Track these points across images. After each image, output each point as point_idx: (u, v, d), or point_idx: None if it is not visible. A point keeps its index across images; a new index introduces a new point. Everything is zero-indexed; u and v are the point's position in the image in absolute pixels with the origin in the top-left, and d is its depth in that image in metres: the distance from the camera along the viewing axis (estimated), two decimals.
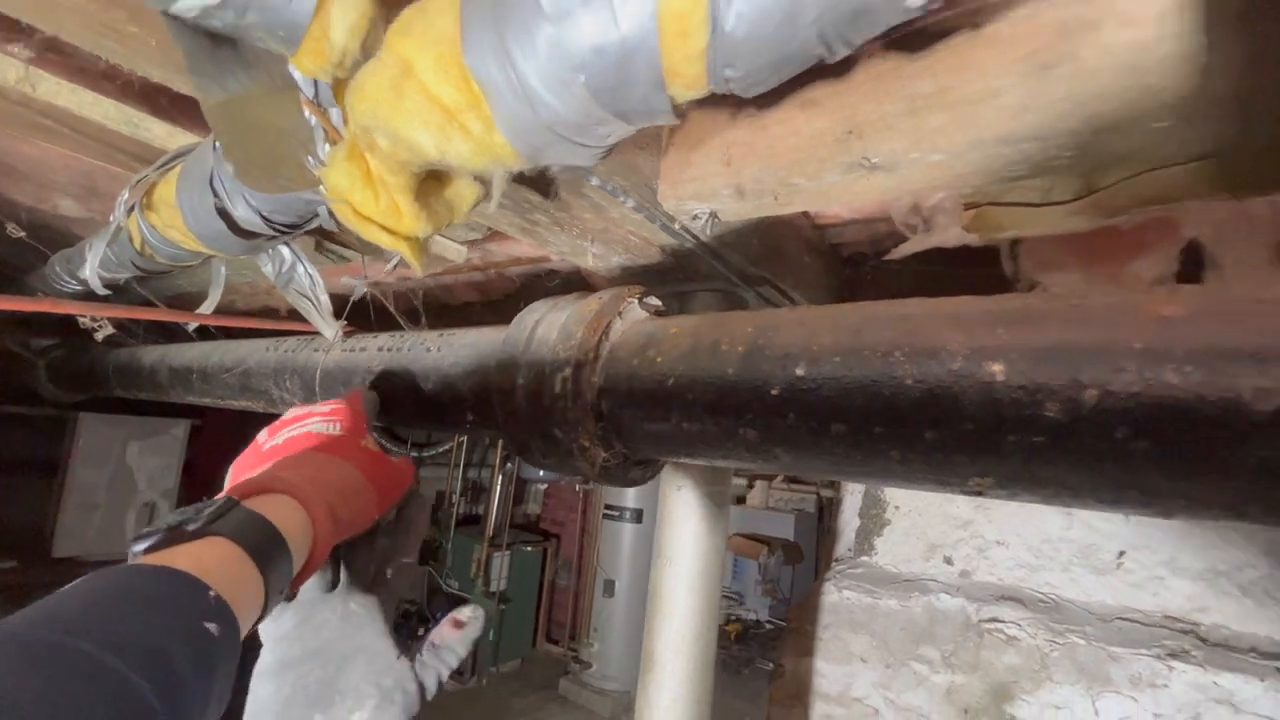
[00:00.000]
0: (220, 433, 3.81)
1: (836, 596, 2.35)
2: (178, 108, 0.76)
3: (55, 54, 0.64)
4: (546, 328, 0.66)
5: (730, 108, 0.81)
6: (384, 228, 0.53)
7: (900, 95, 0.68)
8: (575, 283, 1.76)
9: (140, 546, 0.42)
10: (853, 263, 1.47)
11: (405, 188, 0.50)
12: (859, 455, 0.48)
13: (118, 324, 1.41)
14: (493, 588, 5.01)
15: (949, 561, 2.30)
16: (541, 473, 5.57)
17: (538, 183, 0.77)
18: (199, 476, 3.65)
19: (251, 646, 0.49)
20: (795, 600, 3.40)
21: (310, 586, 0.59)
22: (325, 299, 0.95)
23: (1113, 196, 0.62)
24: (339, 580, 0.61)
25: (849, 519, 2.57)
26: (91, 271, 0.91)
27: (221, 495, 0.51)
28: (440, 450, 1.10)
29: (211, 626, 0.37)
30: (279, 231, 0.68)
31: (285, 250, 0.87)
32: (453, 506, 5.44)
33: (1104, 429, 0.38)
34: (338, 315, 0.98)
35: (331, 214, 0.52)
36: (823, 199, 0.75)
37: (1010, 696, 1.97)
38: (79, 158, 0.86)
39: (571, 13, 0.34)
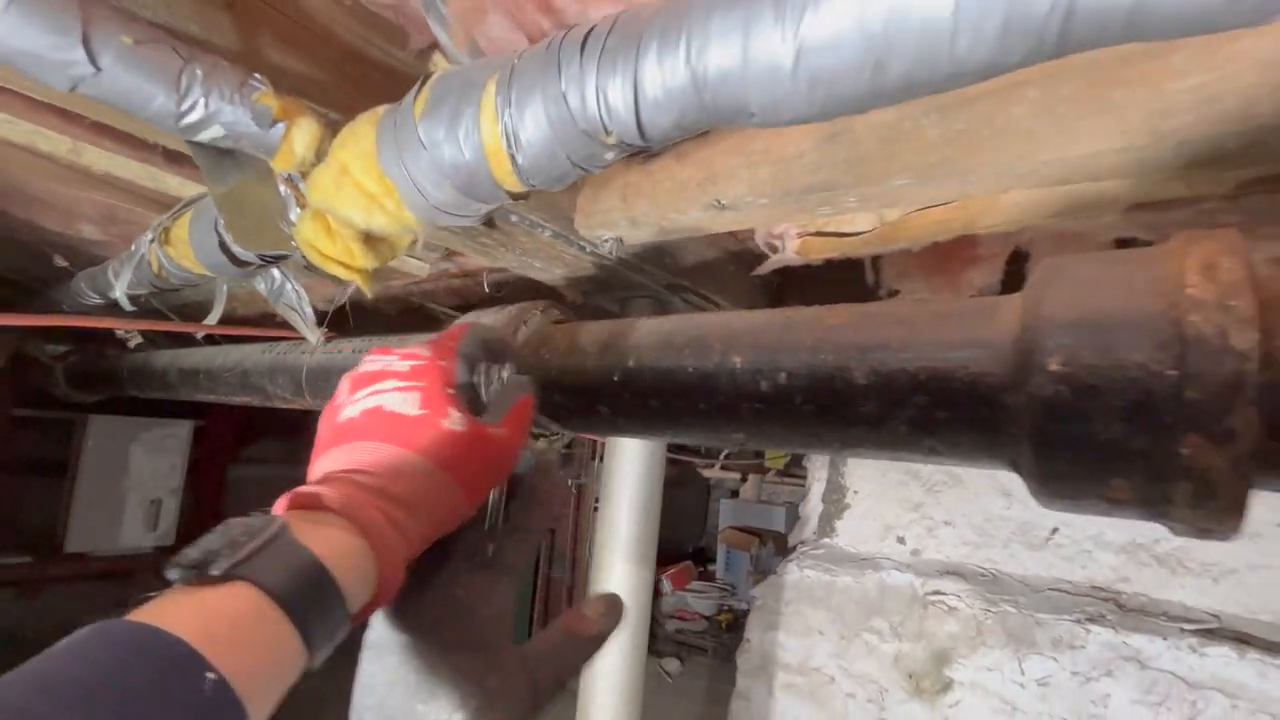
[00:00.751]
0: (221, 432, 4.06)
1: (798, 575, 2.54)
2: (190, 165, 1.00)
3: (99, 133, 0.88)
4: None
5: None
6: (341, 264, 0.77)
7: (742, 152, 0.91)
8: (545, 292, 1.98)
9: (174, 574, 0.37)
10: (782, 269, 1.68)
11: (355, 237, 0.74)
12: (665, 421, 0.71)
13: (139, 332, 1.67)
14: None
15: (902, 541, 2.49)
16: None
17: None
18: (203, 474, 3.90)
19: None
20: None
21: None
22: (309, 310, 1.19)
23: (892, 229, 0.85)
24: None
25: (814, 505, 2.79)
26: (121, 293, 1.16)
27: (279, 504, 0.45)
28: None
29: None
30: (266, 263, 0.92)
31: (275, 272, 1.11)
32: None
33: (789, 397, 0.61)
34: (320, 323, 1.22)
35: (304, 255, 0.75)
36: (694, 230, 0.98)
37: (949, 661, 2.17)
38: (107, 200, 1.10)
39: (438, 144, 0.57)
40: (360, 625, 0.47)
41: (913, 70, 0.36)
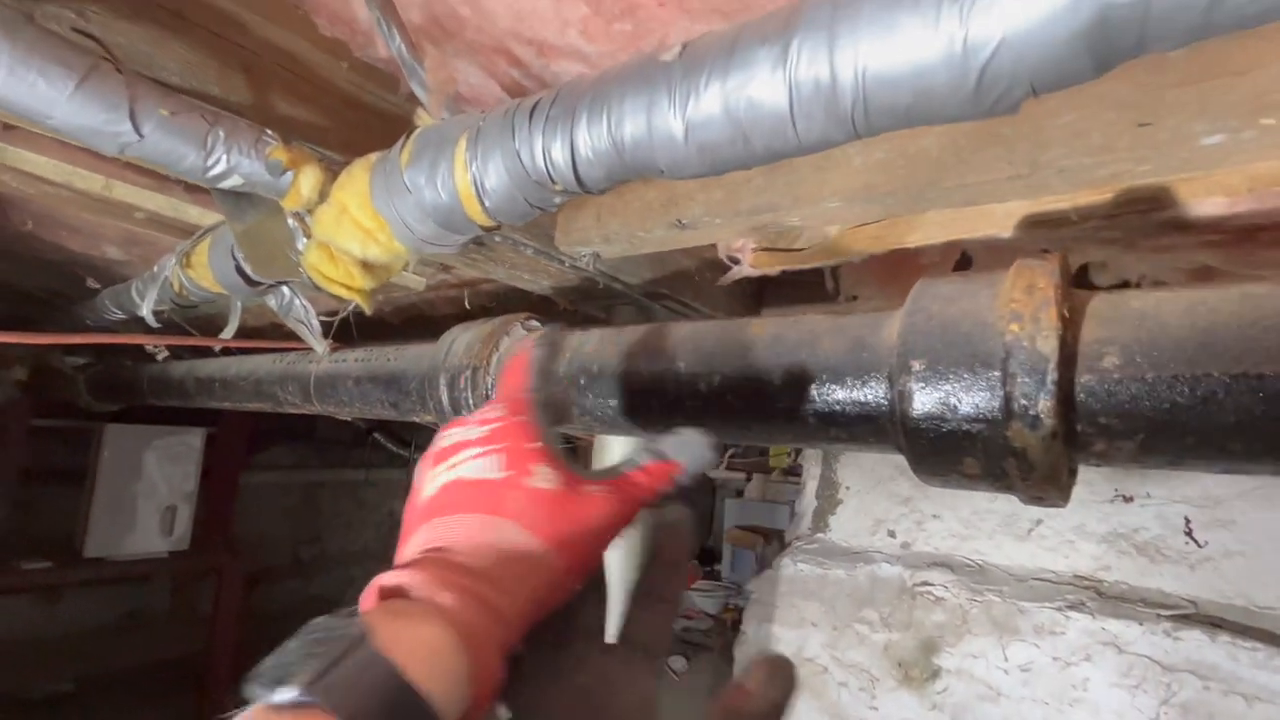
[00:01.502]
0: (232, 440, 4.22)
1: (793, 569, 2.65)
2: (207, 196, 1.14)
3: (129, 170, 1.02)
4: (459, 343, 1.03)
5: None
6: (344, 285, 0.90)
7: None
8: (536, 300, 2.10)
9: (252, 693, 0.34)
10: (760, 276, 1.80)
11: (355, 263, 0.87)
12: (625, 418, 0.83)
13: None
14: None
15: (892, 535, 2.58)
16: None
17: None
18: (216, 480, 4.05)
19: None
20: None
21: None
22: (316, 323, 1.32)
23: (833, 244, 0.97)
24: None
25: (809, 501, 2.90)
26: (147, 310, 1.30)
27: (368, 593, 0.41)
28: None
29: None
30: (277, 283, 1.05)
31: (285, 290, 1.25)
32: None
33: (721, 395, 0.73)
34: (326, 335, 1.35)
35: (310, 278, 0.89)
36: (659, 245, 1.11)
37: (937, 649, 2.27)
38: (131, 228, 1.24)
39: (421, 188, 0.70)
40: None
41: (770, 142, 0.48)
